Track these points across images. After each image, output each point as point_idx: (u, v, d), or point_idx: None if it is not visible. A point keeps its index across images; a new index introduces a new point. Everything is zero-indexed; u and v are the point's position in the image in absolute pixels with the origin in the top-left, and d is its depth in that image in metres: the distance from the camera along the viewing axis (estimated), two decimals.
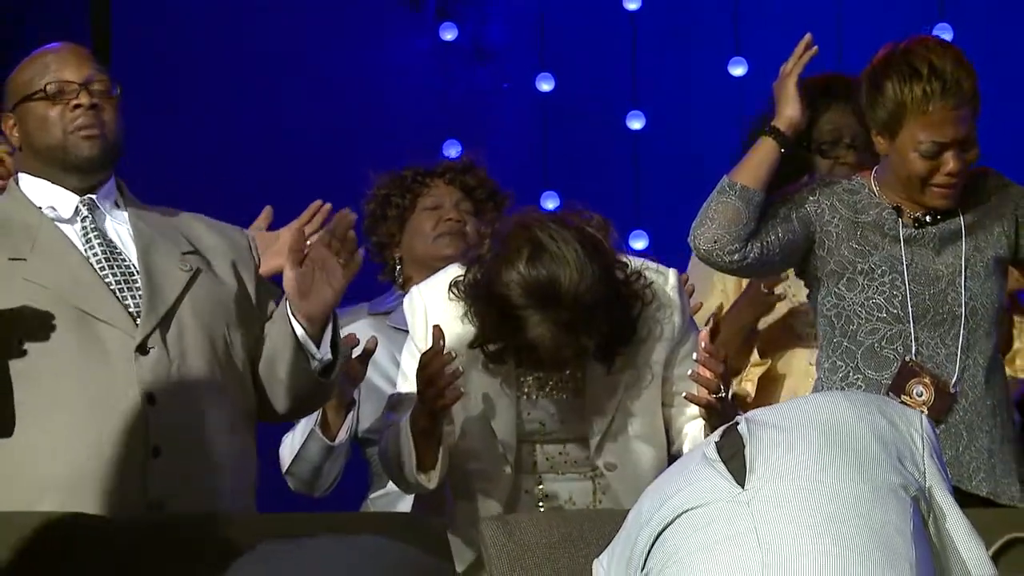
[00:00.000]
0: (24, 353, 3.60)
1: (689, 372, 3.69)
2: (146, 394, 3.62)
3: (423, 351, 3.72)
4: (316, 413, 4.25)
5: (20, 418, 3.58)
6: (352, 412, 4.35)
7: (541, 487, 3.82)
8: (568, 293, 3.60)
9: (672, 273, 3.89)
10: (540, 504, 3.81)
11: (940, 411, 4.02)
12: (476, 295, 3.72)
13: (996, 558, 3.43)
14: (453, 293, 3.77)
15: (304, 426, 4.37)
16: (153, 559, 3.37)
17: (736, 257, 4.01)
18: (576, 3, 7.16)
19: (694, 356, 3.70)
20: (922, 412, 3.98)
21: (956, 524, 2.96)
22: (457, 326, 3.76)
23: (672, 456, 3.89)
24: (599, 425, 3.80)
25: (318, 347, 3.73)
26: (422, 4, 7.37)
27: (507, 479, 3.79)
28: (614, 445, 3.81)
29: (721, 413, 3.66)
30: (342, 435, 4.34)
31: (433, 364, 3.64)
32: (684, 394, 3.72)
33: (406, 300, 3.90)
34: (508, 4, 7.33)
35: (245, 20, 6.88)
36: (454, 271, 3.82)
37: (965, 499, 3.42)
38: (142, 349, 3.64)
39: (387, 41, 7.26)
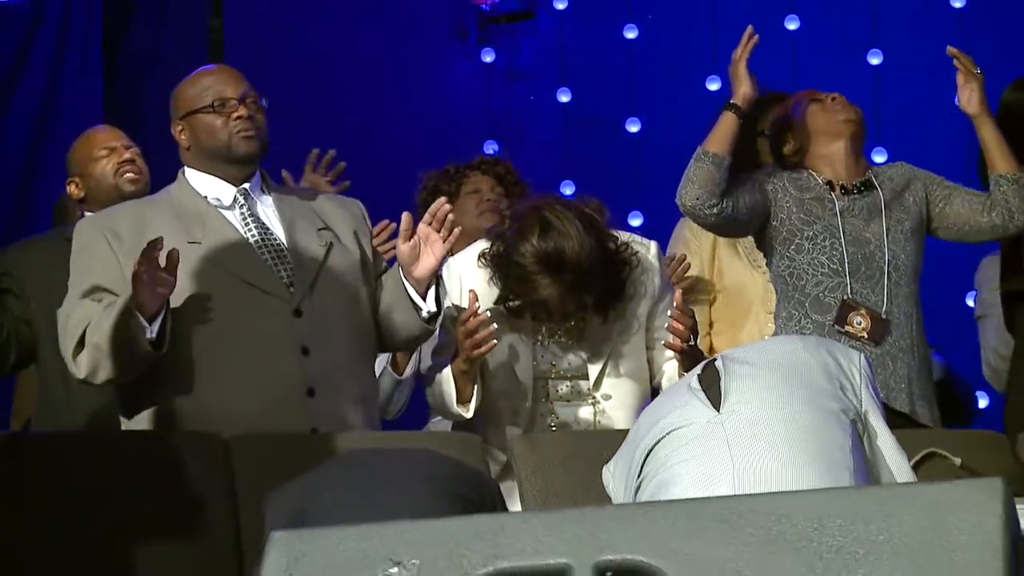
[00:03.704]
0: (207, 320, 3.60)
1: (666, 325, 3.67)
2: (302, 348, 3.61)
3: (462, 310, 3.71)
4: (388, 354, 4.25)
5: (205, 370, 3.58)
6: (416, 353, 4.35)
7: (554, 412, 3.81)
8: (571, 260, 3.59)
9: (653, 244, 3.90)
10: (552, 426, 3.79)
11: (877, 334, 4.06)
12: (499, 263, 3.71)
13: (916, 468, 3.41)
14: (481, 262, 3.76)
15: (379, 364, 4.36)
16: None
17: (715, 211, 4.03)
18: (587, 33, 7.14)
19: (669, 313, 3.69)
20: (863, 339, 4.04)
21: (885, 442, 2.94)
22: (485, 288, 3.75)
23: (653, 387, 3.89)
24: (597, 364, 3.79)
25: (424, 301, 3.72)
26: (467, 35, 7.36)
27: (526, 407, 3.78)
28: (609, 380, 3.80)
29: (690, 356, 3.65)
30: (408, 371, 4.35)
31: (471, 323, 3.63)
32: (663, 341, 3.71)
33: (444, 268, 3.89)
34: (535, 34, 7.31)
35: (329, 51, 6.87)
36: (481, 245, 3.81)
37: (891, 415, 3.40)
38: (297, 312, 3.63)
39: (440, 64, 7.24)
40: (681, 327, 3.63)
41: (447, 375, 3.72)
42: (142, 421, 3.60)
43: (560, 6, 7.22)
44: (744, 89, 4.08)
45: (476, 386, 3.72)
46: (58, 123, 5.78)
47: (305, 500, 2.62)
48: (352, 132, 6.68)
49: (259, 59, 6.73)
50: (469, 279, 3.78)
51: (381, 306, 3.77)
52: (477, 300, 3.66)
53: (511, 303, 3.73)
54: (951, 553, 1.76)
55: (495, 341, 3.66)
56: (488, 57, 7.30)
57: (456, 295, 3.82)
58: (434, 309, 3.73)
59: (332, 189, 4.57)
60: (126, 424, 3.65)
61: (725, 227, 4.16)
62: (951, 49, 4.17)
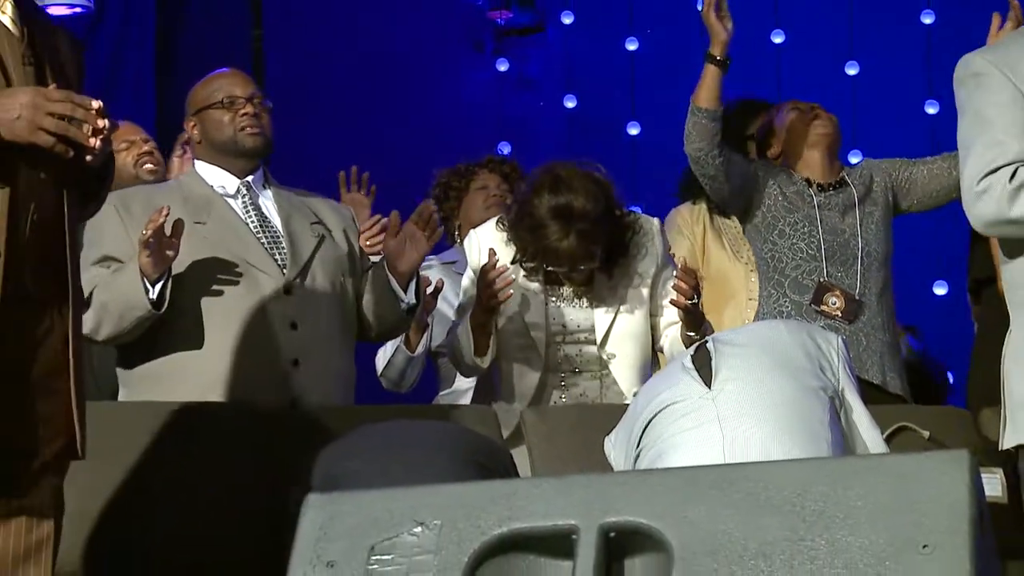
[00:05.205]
0: (206, 293, 3.58)
1: (671, 283, 3.66)
2: (291, 322, 3.61)
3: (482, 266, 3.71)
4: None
5: (201, 337, 3.56)
6: (427, 332, 4.34)
7: (563, 382, 3.79)
8: (580, 210, 3.59)
9: (656, 220, 3.88)
10: (563, 396, 3.78)
11: (851, 313, 4.05)
12: (515, 222, 3.71)
13: (888, 440, 3.41)
14: (500, 226, 3.77)
15: (393, 342, 4.35)
16: (290, 437, 3.34)
17: (718, 162, 4.01)
18: (592, 45, 7.14)
19: (674, 274, 3.68)
20: (838, 317, 4.03)
21: (860, 416, 2.95)
22: (503, 249, 3.74)
23: (656, 351, 3.87)
24: (604, 322, 3.77)
25: (405, 293, 3.71)
26: (483, 46, 7.36)
27: (539, 367, 3.77)
28: (614, 339, 3.77)
29: (693, 314, 3.64)
30: (419, 348, 4.33)
31: (490, 273, 3.63)
32: (667, 299, 3.69)
33: (466, 239, 3.89)
34: (544, 46, 7.32)
35: (358, 59, 6.88)
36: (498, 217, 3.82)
37: (864, 386, 3.39)
38: (287, 290, 3.62)
39: (458, 72, 7.25)
40: (685, 286, 3.63)
41: (465, 328, 3.72)
42: (138, 377, 3.60)
43: (567, 20, 7.22)
44: (720, 37, 4.01)
45: (492, 338, 3.72)
46: (117, 119, 5.79)
47: (335, 465, 2.62)
48: (378, 133, 6.69)
49: (295, 65, 6.74)
50: (487, 242, 3.79)
51: (364, 296, 3.77)
52: (496, 256, 3.67)
53: (526, 264, 3.72)
54: (922, 517, 1.76)
55: (511, 291, 3.66)
56: (502, 66, 7.30)
57: (475, 259, 3.82)
58: (414, 301, 3.73)
59: (367, 200, 4.55)
60: (123, 378, 3.63)
61: (719, 179, 4.09)
62: (1014, 1, 4.02)
